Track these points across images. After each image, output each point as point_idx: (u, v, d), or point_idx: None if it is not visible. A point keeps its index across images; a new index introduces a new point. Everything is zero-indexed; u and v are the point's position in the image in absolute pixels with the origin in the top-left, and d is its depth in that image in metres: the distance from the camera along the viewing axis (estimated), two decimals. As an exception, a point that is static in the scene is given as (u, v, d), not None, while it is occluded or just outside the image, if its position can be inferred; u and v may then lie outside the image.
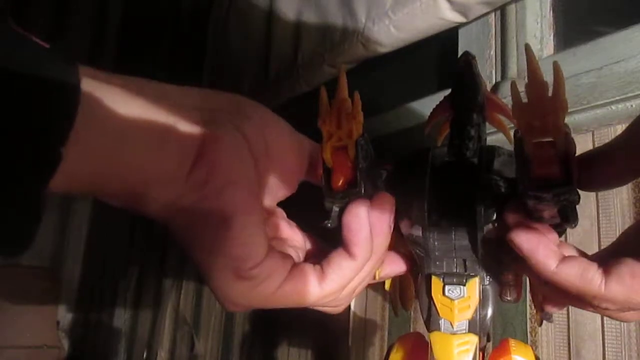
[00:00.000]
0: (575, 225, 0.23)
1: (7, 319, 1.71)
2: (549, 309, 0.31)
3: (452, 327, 0.27)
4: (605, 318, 0.53)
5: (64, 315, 1.98)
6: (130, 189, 0.22)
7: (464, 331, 0.27)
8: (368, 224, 0.25)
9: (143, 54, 1.87)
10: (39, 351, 1.77)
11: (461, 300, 0.28)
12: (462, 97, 0.30)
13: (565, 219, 0.23)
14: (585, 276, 0.23)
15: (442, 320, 0.28)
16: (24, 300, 1.80)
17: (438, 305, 0.28)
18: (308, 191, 0.30)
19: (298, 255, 0.29)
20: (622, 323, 0.52)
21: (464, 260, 0.28)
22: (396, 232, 0.29)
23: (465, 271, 0.28)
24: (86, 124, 0.20)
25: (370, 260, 0.26)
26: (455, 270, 0.28)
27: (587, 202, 0.56)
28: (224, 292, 0.24)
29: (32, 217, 0.20)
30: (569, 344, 0.56)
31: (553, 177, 0.22)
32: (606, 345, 0.53)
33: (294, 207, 0.32)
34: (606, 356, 0.53)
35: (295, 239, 0.30)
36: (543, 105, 0.24)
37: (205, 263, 0.24)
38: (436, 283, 0.28)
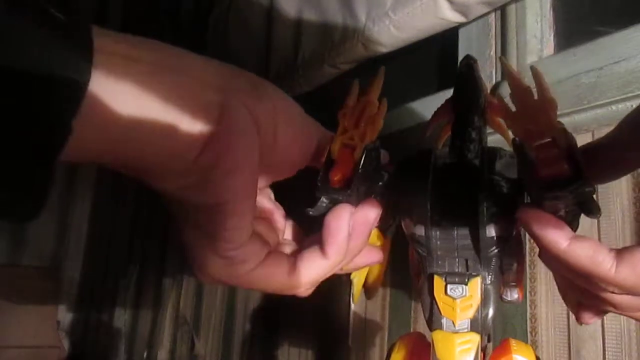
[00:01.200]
0: (599, 216, 0.23)
1: (7, 319, 1.71)
2: (585, 316, 0.31)
3: (454, 326, 0.28)
4: (605, 318, 0.53)
5: (65, 315, 1.98)
6: (138, 162, 0.22)
7: (465, 330, 0.27)
8: (347, 229, 0.26)
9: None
10: (39, 351, 1.77)
11: (463, 300, 0.28)
12: (464, 100, 0.30)
13: (588, 211, 0.23)
14: (595, 258, 0.23)
15: (444, 319, 0.28)
16: (24, 300, 1.80)
17: (440, 304, 0.28)
18: (302, 176, 0.30)
19: (276, 237, 0.30)
20: (622, 323, 0.52)
21: (466, 260, 0.28)
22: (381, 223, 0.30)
23: (467, 270, 0.28)
24: (96, 100, 0.20)
25: (342, 261, 0.27)
26: (457, 270, 0.29)
27: (587, 202, 0.56)
28: (200, 264, 0.25)
29: (45, 181, 0.20)
30: (569, 344, 0.56)
31: (563, 174, 0.23)
32: (606, 345, 0.53)
33: (284, 188, 0.33)
34: (606, 356, 0.53)
35: (277, 220, 0.30)
36: (532, 109, 0.24)
37: (189, 236, 0.25)
38: (438, 282, 0.28)
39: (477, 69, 0.30)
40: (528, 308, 0.60)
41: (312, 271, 0.27)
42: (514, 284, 0.32)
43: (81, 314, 1.98)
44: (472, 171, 0.28)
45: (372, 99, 0.27)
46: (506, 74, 0.25)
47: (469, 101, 0.29)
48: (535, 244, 0.64)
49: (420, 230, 0.28)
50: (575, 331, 0.56)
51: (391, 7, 0.80)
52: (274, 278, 0.27)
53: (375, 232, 0.32)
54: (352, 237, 0.27)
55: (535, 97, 0.24)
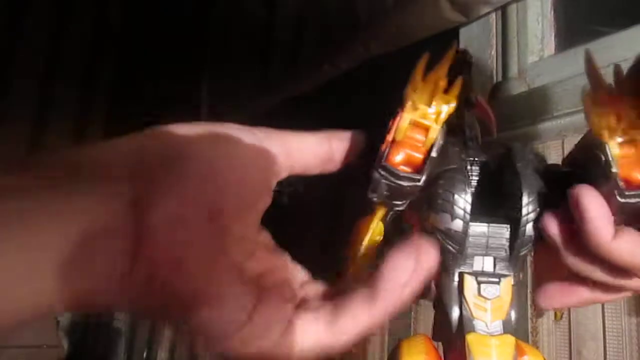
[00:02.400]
0: None
1: (7, 318, 1.70)
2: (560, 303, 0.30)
3: (487, 328, 0.27)
4: (606, 318, 0.53)
5: (64, 314, 1.98)
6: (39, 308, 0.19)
7: (499, 332, 0.26)
8: (409, 278, 0.22)
9: (143, 55, 1.87)
10: (38, 351, 1.77)
11: (495, 300, 0.27)
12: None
13: None
14: (637, 252, 0.23)
15: (476, 321, 0.27)
16: (24, 300, 1.79)
17: (471, 305, 0.27)
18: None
19: (292, 290, 0.25)
20: (623, 323, 0.52)
21: (495, 259, 0.28)
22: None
23: (494, 270, 0.28)
24: None
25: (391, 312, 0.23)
26: (485, 269, 0.28)
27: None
28: (221, 354, 0.21)
29: None
30: (570, 344, 0.56)
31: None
32: (607, 345, 0.53)
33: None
34: (607, 356, 0.53)
35: (283, 270, 0.26)
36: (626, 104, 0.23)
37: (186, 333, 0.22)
38: (469, 282, 0.27)
39: (471, 65, 0.29)
40: (529, 308, 0.60)
41: (355, 327, 0.22)
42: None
43: (81, 314, 1.98)
44: (509, 168, 0.28)
45: (442, 73, 0.24)
46: (589, 71, 0.24)
47: (462, 95, 0.29)
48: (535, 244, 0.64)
49: (457, 226, 0.26)
50: (577, 331, 0.55)
51: (392, 7, 0.80)
52: (307, 343, 0.22)
53: (379, 227, 0.30)
54: (408, 287, 0.22)
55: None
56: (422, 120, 0.24)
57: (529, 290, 0.59)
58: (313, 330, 0.22)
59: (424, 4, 0.74)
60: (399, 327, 0.77)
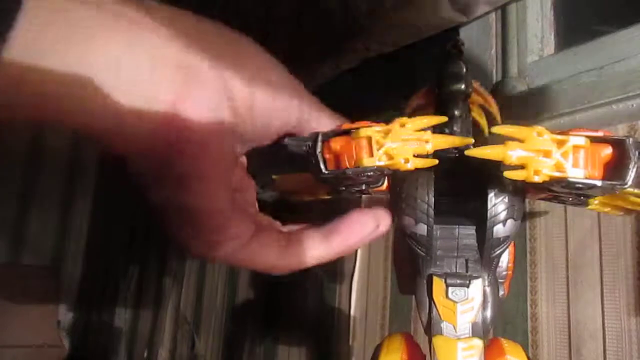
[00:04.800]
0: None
1: (7, 318, 1.71)
2: None
3: (455, 330, 0.26)
4: (606, 318, 0.53)
5: (65, 314, 1.98)
6: (70, 119, 0.19)
7: (467, 335, 0.26)
8: (366, 236, 0.26)
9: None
10: (39, 350, 1.77)
11: (464, 302, 0.27)
12: (448, 85, 0.29)
13: None
14: None
15: (444, 323, 0.26)
16: (25, 299, 1.80)
17: (440, 308, 0.27)
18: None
19: (255, 209, 0.27)
20: (623, 323, 0.52)
21: (466, 260, 0.27)
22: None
23: (467, 271, 0.27)
24: (32, 28, 0.16)
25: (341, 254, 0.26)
26: (456, 271, 0.27)
27: (587, 201, 0.56)
28: (182, 245, 0.23)
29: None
30: (569, 343, 0.56)
31: None
32: (607, 344, 0.53)
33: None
34: (607, 356, 0.53)
35: (253, 193, 0.28)
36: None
37: (166, 218, 0.23)
38: (438, 284, 0.27)
39: (463, 53, 0.29)
40: (529, 307, 0.60)
41: (308, 255, 0.25)
42: (501, 280, 0.31)
43: (81, 314, 1.98)
44: (477, 167, 0.27)
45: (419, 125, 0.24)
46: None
47: (454, 86, 0.28)
48: (535, 244, 0.64)
49: (421, 230, 0.27)
50: (576, 330, 0.55)
51: (392, 6, 0.80)
52: (262, 257, 0.25)
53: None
54: (359, 240, 0.26)
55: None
56: (374, 145, 0.23)
57: (528, 290, 0.59)
58: (269, 250, 0.24)
59: (423, 3, 0.74)
60: (399, 324, 0.77)
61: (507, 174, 0.23)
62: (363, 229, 0.26)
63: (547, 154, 0.22)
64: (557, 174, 0.22)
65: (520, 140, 0.22)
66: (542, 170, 0.22)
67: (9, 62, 0.16)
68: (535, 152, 0.22)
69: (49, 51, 0.17)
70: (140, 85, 0.19)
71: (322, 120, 0.28)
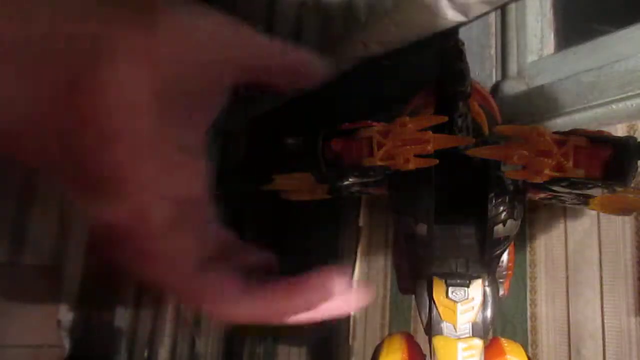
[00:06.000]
0: None
1: (7, 318, 1.71)
2: None
3: (455, 330, 0.26)
4: (605, 318, 0.53)
5: (65, 314, 1.98)
6: None
7: (467, 335, 0.26)
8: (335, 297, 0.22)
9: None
10: (39, 350, 1.77)
11: (464, 302, 0.27)
12: (449, 85, 0.29)
13: None
14: None
15: (445, 323, 0.26)
16: (25, 299, 1.79)
17: (440, 308, 0.27)
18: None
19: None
20: (622, 322, 0.52)
21: (467, 260, 0.27)
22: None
23: (467, 271, 0.27)
24: None
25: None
26: (457, 271, 0.27)
27: (587, 201, 0.56)
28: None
29: None
30: (569, 343, 0.56)
31: None
32: (606, 344, 0.53)
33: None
34: (606, 356, 0.53)
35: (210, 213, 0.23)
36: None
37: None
38: (438, 284, 0.27)
39: (464, 53, 0.29)
40: (528, 307, 0.60)
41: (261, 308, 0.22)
42: (501, 280, 0.31)
43: (82, 313, 1.98)
44: (478, 167, 0.27)
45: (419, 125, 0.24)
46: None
47: (455, 86, 0.28)
48: (535, 244, 0.64)
49: (422, 230, 0.26)
50: (576, 330, 0.55)
51: (391, 6, 0.80)
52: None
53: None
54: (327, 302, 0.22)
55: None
56: (374, 145, 0.23)
57: (527, 289, 0.59)
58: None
59: (423, 3, 0.74)
60: (399, 322, 0.77)
61: (509, 173, 0.23)
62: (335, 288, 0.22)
63: (548, 154, 0.22)
64: (558, 174, 0.22)
65: (522, 140, 0.22)
66: (543, 170, 0.22)
67: None
68: (536, 152, 0.22)
69: None
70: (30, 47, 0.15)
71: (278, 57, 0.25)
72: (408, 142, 0.23)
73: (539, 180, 0.22)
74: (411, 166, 0.23)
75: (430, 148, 0.23)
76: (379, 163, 0.23)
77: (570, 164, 0.22)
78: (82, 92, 0.15)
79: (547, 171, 0.22)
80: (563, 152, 0.22)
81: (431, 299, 0.27)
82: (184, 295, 0.22)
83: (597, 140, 0.23)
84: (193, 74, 0.20)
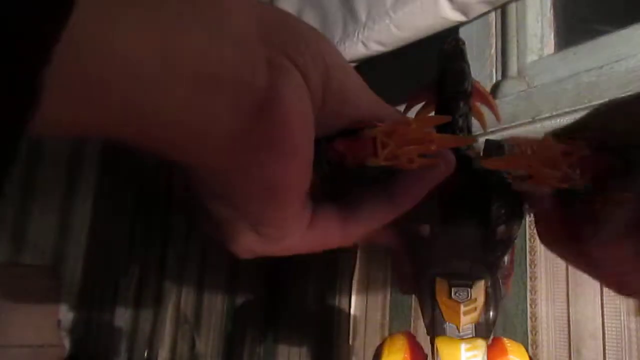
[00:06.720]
0: None
1: (8, 317, 1.71)
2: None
3: (458, 331, 0.26)
4: (605, 317, 0.53)
5: (65, 314, 1.98)
6: (154, 138, 0.16)
7: (470, 335, 0.26)
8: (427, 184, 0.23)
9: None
10: (40, 350, 1.77)
11: (468, 303, 0.26)
12: (450, 84, 0.28)
13: None
14: None
15: (447, 324, 0.26)
16: (25, 299, 1.80)
17: (443, 308, 0.27)
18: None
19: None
20: (622, 322, 0.52)
21: (470, 261, 0.27)
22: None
23: (470, 272, 0.27)
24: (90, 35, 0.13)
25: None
26: (459, 271, 0.27)
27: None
28: (231, 240, 0.21)
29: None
30: (569, 342, 0.56)
31: None
32: (606, 344, 0.53)
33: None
34: (606, 355, 0.53)
35: None
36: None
37: (218, 212, 0.20)
38: (441, 285, 0.27)
39: (465, 52, 0.29)
40: (528, 307, 0.60)
41: (373, 219, 0.23)
42: (502, 280, 0.31)
43: (82, 313, 1.98)
44: (479, 168, 0.27)
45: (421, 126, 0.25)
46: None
47: (456, 85, 0.28)
48: (535, 244, 0.64)
49: (424, 230, 0.26)
50: (576, 330, 0.55)
51: (391, 6, 0.80)
52: (323, 240, 0.23)
53: None
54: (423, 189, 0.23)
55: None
56: (378, 145, 0.23)
57: (528, 289, 0.59)
58: (329, 231, 0.22)
59: (423, 3, 0.74)
60: (399, 322, 0.77)
61: (515, 185, 0.23)
62: (424, 179, 0.23)
63: (554, 165, 0.22)
64: (564, 185, 0.22)
65: (530, 151, 0.22)
66: (550, 182, 0.22)
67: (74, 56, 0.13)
68: (543, 162, 0.22)
69: (120, 40, 0.14)
70: (228, 73, 0.17)
71: (386, 111, 0.25)
72: (412, 142, 0.23)
73: (545, 190, 0.22)
74: (415, 166, 0.23)
75: (434, 148, 0.23)
76: (383, 163, 0.23)
77: (577, 174, 0.22)
78: (269, 109, 0.17)
79: (553, 183, 0.22)
80: (569, 163, 0.22)
81: (434, 299, 0.27)
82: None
83: (601, 148, 0.23)
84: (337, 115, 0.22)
